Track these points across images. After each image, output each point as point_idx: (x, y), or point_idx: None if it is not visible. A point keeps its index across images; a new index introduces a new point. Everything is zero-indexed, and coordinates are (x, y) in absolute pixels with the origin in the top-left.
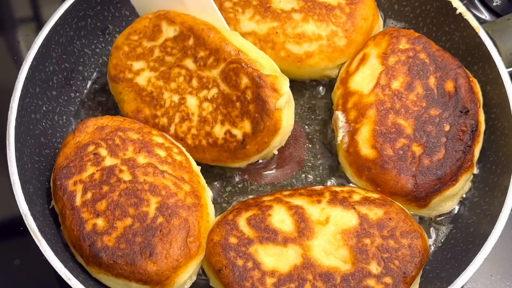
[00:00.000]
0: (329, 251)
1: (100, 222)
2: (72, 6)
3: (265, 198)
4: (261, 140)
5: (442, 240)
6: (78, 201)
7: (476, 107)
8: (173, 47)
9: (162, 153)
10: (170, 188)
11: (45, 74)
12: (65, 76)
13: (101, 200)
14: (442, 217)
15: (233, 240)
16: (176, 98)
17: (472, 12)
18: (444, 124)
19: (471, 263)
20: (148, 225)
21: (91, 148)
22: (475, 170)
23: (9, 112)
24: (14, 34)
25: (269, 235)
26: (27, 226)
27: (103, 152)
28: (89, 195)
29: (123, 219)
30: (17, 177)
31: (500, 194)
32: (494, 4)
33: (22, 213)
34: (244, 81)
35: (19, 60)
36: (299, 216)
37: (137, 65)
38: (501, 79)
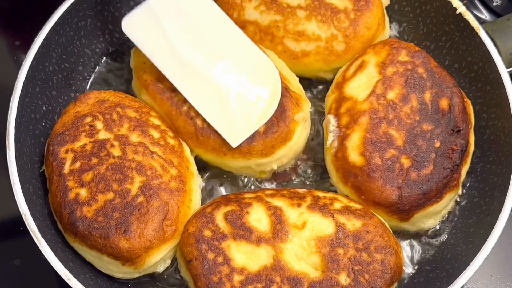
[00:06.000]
0: (301, 256)
1: (83, 192)
2: (72, 6)
3: (246, 195)
4: (270, 143)
5: (442, 240)
6: (66, 168)
7: (467, 128)
8: None
9: (156, 134)
10: (156, 169)
11: (45, 74)
12: (65, 76)
13: (88, 171)
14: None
15: (207, 233)
16: None
17: (472, 12)
18: (435, 140)
19: (471, 263)
20: (128, 202)
21: (88, 119)
22: (460, 191)
23: (9, 112)
24: (14, 34)
25: (244, 233)
26: (27, 226)
27: (99, 125)
28: (77, 165)
29: (105, 192)
30: (17, 177)
31: (500, 194)
32: (494, 4)
33: (22, 213)
34: None
35: (19, 60)
36: (277, 217)
37: None
38: (501, 79)
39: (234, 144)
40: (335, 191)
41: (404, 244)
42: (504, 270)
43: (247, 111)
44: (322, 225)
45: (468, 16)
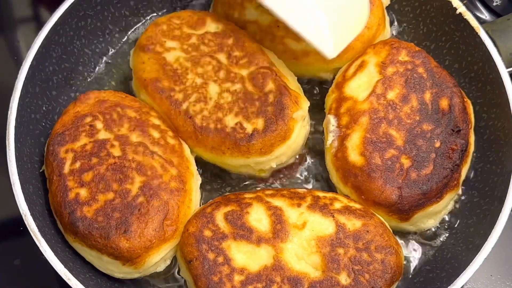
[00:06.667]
0: (301, 256)
1: (83, 192)
2: (72, 6)
3: (246, 195)
4: (268, 142)
5: (442, 240)
6: (66, 168)
7: (467, 128)
8: (211, 40)
9: (156, 134)
10: (156, 169)
11: (45, 74)
12: (65, 76)
13: (88, 171)
14: (443, 218)
15: (207, 233)
16: (199, 81)
17: (472, 12)
18: (435, 140)
19: (471, 263)
20: (128, 202)
21: (88, 119)
22: (460, 191)
23: (9, 112)
24: (14, 34)
25: (244, 233)
26: (27, 226)
27: (99, 125)
28: (77, 165)
29: (106, 192)
30: (17, 177)
31: (500, 194)
32: (494, 4)
33: (22, 213)
34: (270, 86)
35: (19, 60)
36: (277, 218)
37: (170, 43)
38: (501, 79)
39: (332, 54)
40: (332, 190)
41: (404, 244)
42: (504, 270)
43: (342, 22)
44: (322, 225)
45: (468, 16)
